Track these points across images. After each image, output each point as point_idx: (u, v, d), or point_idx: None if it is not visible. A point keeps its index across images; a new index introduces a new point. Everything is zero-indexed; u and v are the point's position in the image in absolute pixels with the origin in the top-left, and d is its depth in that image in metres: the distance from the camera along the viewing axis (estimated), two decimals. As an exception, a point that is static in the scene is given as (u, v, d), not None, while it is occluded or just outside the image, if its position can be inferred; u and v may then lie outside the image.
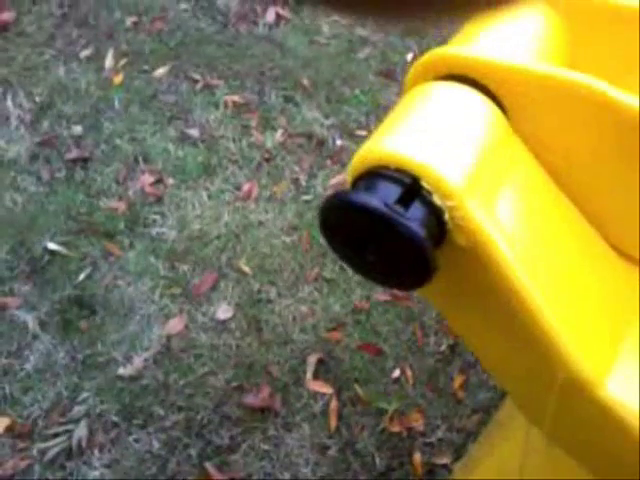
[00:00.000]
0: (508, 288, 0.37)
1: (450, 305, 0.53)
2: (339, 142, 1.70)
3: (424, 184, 0.38)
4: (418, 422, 1.22)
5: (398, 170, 0.38)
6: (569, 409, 0.38)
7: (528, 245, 0.40)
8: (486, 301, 0.44)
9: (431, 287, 0.44)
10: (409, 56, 1.94)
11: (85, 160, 1.63)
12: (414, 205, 0.38)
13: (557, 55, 0.45)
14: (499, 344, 0.47)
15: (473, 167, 0.39)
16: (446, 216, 0.41)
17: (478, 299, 0.46)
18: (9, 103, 1.75)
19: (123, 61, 1.87)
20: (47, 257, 1.44)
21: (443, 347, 1.31)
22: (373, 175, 0.38)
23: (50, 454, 1.18)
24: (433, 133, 0.39)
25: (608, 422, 0.38)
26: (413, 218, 0.37)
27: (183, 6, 2.06)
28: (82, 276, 1.41)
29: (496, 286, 0.38)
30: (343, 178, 1.59)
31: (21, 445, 1.19)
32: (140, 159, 1.64)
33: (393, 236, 0.37)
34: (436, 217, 0.41)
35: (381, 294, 1.38)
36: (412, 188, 0.38)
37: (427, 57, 0.42)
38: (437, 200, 0.40)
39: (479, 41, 0.43)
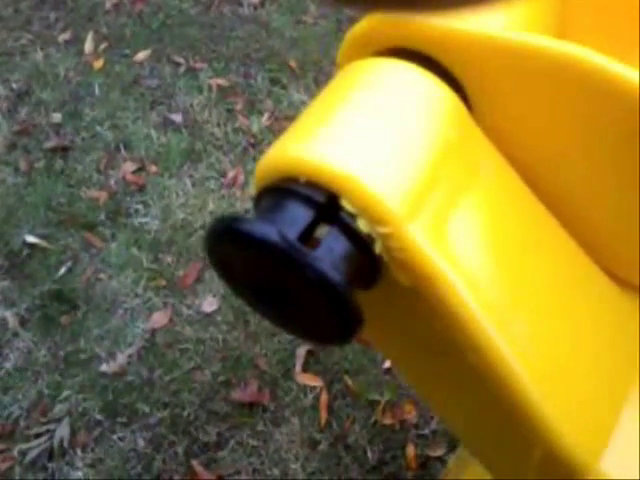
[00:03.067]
0: (465, 339, 0.28)
1: (393, 351, 0.42)
2: (327, 125, 1.64)
3: (345, 204, 0.28)
4: (411, 414, 1.18)
5: (310, 185, 0.28)
6: None
7: (492, 282, 0.30)
8: (438, 351, 0.34)
9: (370, 333, 0.35)
10: (399, 34, 1.88)
11: (65, 149, 1.58)
12: (330, 234, 0.28)
13: (540, 27, 0.36)
14: (459, 402, 0.39)
15: (417, 178, 0.28)
16: (377, 247, 0.30)
17: (427, 347, 0.36)
18: (-15, 91, 1.69)
19: (103, 45, 1.81)
20: (26, 251, 1.40)
21: (436, 336, 1.27)
22: (280, 192, 0.28)
23: (31, 455, 1.14)
24: (363, 132, 0.29)
25: None
26: (323, 256, 0.27)
27: (165, -13, 1.99)
28: (63, 270, 1.37)
29: (450, 337, 0.30)
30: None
31: (1, 446, 1.15)
32: (122, 147, 1.58)
33: (298, 280, 0.27)
34: (363, 249, 0.30)
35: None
36: (327, 210, 0.29)
37: (364, 25, 0.32)
38: (363, 227, 0.29)
39: None
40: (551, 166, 0.33)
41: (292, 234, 0.26)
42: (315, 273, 0.26)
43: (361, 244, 0.30)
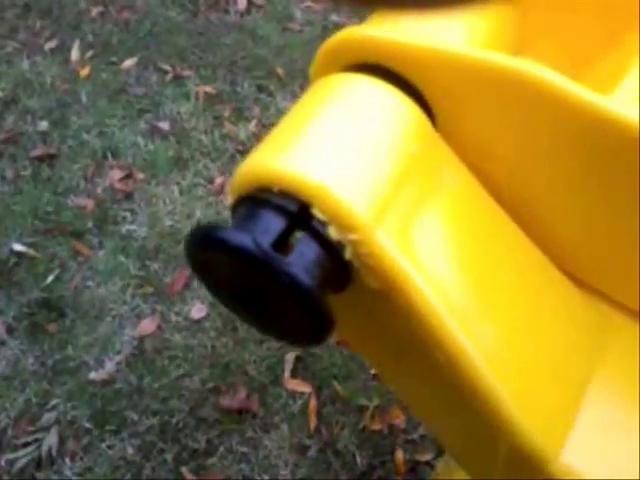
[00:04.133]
0: (433, 340, 0.30)
1: (367, 350, 0.44)
2: (314, 132, 1.65)
3: (316, 212, 0.30)
4: (399, 418, 1.19)
5: (283, 194, 0.30)
6: None
7: (458, 285, 0.32)
8: (409, 351, 0.35)
9: (346, 334, 0.36)
10: (384, 42, 1.89)
11: (51, 157, 1.58)
12: (302, 242, 0.30)
13: (498, 41, 0.37)
14: (431, 400, 0.40)
15: (384, 187, 0.30)
16: (347, 253, 0.32)
17: (399, 348, 0.38)
18: (-29, 99, 1.68)
19: (90, 53, 1.81)
20: (13, 259, 1.39)
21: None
22: (254, 201, 0.30)
23: (19, 464, 1.14)
24: (331, 145, 0.31)
25: None
26: (295, 262, 0.29)
27: (151, -6, 2.00)
28: (50, 278, 1.36)
29: (418, 337, 0.31)
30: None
31: (-11, 456, 1.14)
32: (109, 154, 1.58)
33: (273, 284, 0.29)
34: (334, 254, 0.32)
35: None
36: (300, 218, 0.30)
37: (334, 40, 0.34)
38: (333, 234, 0.31)
39: (401, 21, 0.35)
40: (509, 175, 0.34)
41: (266, 242, 0.27)
42: (287, 278, 0.27)
43: (332, 250, 0.32)
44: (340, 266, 0.33)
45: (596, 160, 0.32)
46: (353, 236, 0.31)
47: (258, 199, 0.29)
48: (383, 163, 0.30)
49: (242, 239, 0.26)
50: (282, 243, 0.29)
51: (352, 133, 0.30)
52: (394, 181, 0.30)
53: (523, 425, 0.28)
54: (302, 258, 0.29)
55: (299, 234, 0.30)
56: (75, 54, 1.80)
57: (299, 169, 0.28)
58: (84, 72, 1.76)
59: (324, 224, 0.29)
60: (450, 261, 0.31)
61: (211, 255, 0.29)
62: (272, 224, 0.28)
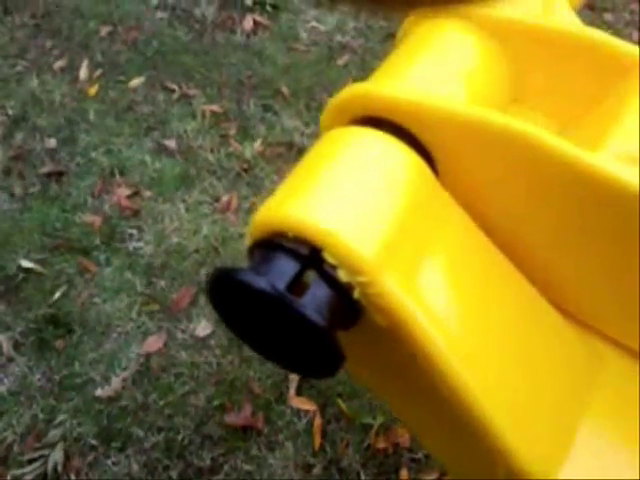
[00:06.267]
0: (436, 374, 0.32)
1: (376, 385, 0.46)
2: (319, 151, 1.67)
3: (326, 257, 0.32)
4: (404, 437, 1.19)
5: (296, 240, 0.32)
6: None
7: (459, 323, 0.34)
8: (414, 385, 0.38)
9: (354, 369, 0.38)
10: (389, 62, 1.92)
11: (60, 174, 1.60)
12: (314, 284, 0.32)
13: (496, 91, 0.40)
14: (436, 429, 0.41)
15: (389, 233, 0.33)
16: (356, 293, 0.34)
17: (405, 381, 0.40)
18: (-19, 117, 1.71)
19: (98, 72, 1.84)
20: (21, 275, 1.40)
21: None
22: (270, 245, 0.32)
23: (25, 481, 1.14)
24: (340, 194, 0.33)
25: None
26: (308, 304, 0.31)
27: (159, 15, 2.03)
28: (57, 294, 1.38)
29: (423, 372, 0.33)
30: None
31: (-5, 472, 1.15)
32: (116, 172, 1.60)
33: (287, 323, 0.31)
34: (344, 295, 0.34)
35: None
36: (311, 261, 0.32)
37: (342, 95, 0.36)
38: (343, 276, 0.33)
39: (404, 76, 0.37)
40: (506, 221, 0.36)
41: (281, 284, 0.29)
42: (301, 318, 0.29)
43: (342, 291, 0.34)
44: (350, 305, 0.35)
45: (586, 211, 0.34)
46: (361, 278, 0.33)
47: (273, 244, 0.31)
48: (389, 211, 0.32)
49: (260, 282, 0.29)
50: (297, 282, 0.31)
51: (359, 183, 0.32)
52: (399, 227, 0.32)
53: (520, 452, 0.30)
54: (314, 299, 0.31)
55: (311, 274, 0.32)
56: (84, 73, 1.82)
57: (311, 217, 0.30)
58: (92, 91, 1.78)
59: (334, 267, 0.31)
60: (451, 301, 0.33)
61: (232, 294, 0.31)
62: (286, 267, 0.30)
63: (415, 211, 0.33)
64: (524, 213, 0.35)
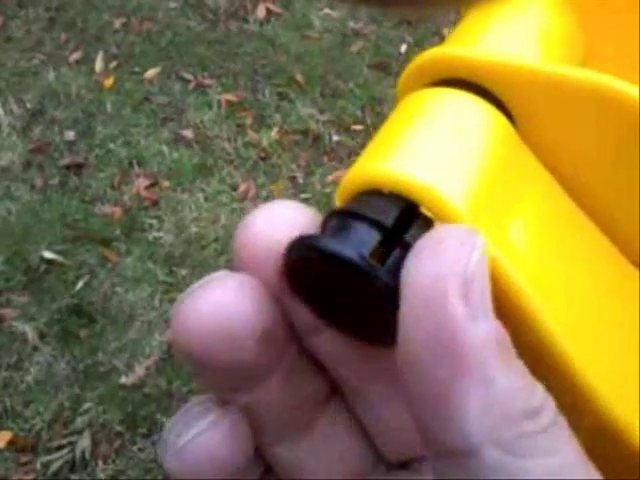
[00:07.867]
0: (527, 327, 0.32)
1: None
2: (335, 138, 1.67)
3: (423, 211, 0.31)
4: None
5: (391, 195, 0.32)
6: (599, 458, 0.32)
7: (555, 282, 0.34)
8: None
9: None
10: (403, 48, 1.91)
11: (79, 166, 1.61)
12: (395, 254, 0.31)
13: (569, 53, 0.41)
14: None
15: (479, 188, 0.33)
16: None
17: None
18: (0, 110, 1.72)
19: (113, 63, 1.85)
20: (44, 266, 1.42)
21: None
22: (350, 215, 0.31)
23: (54, 467, 1.16)
24: (430, 150, 0.33)
25: None
26: (389, 271, 0.30)
27: (172, 5, 2.03)
28: (80, 284, 1.39)
29: (516, 325, 0.33)
30: (340, 175, 1.57)
31: (24, 459, 1.17)
32: (134, 163, 1.61)
33: (368, 289, 0.30)
34: None
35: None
36: (392, 233, 0.32)
37: (421, 60, 0.37)
38: None
39: (478, 40, 0.38)
40: (590, 180, 0.36)
41: (365, 252, 0.29)
42: (383, 284, 0.29)
43: None
44: None
45: None
46: None
47: (353, 213, 0.31)
48: (477, 166, 0.32)
49: (346, 251, 0.29)
50: (376, 252, 0.32)
51: (449, 139, 0.33)
52: (488, 182, 0.32)
53: (605, 397, 0.31)
54: (395, 267, 0.31)
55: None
56: (99, 65, 1.84)
57: (407, 171, 0.31)
58: (108, 82, 1.79)
59: (431, 222, 0.31)
60: (543, 259, 0.33)
61: (311, 261, 0.31)
62: (369, 237, 0.30)
63: (505, 169, 0.33)
64: (607, 174, 0.36)
